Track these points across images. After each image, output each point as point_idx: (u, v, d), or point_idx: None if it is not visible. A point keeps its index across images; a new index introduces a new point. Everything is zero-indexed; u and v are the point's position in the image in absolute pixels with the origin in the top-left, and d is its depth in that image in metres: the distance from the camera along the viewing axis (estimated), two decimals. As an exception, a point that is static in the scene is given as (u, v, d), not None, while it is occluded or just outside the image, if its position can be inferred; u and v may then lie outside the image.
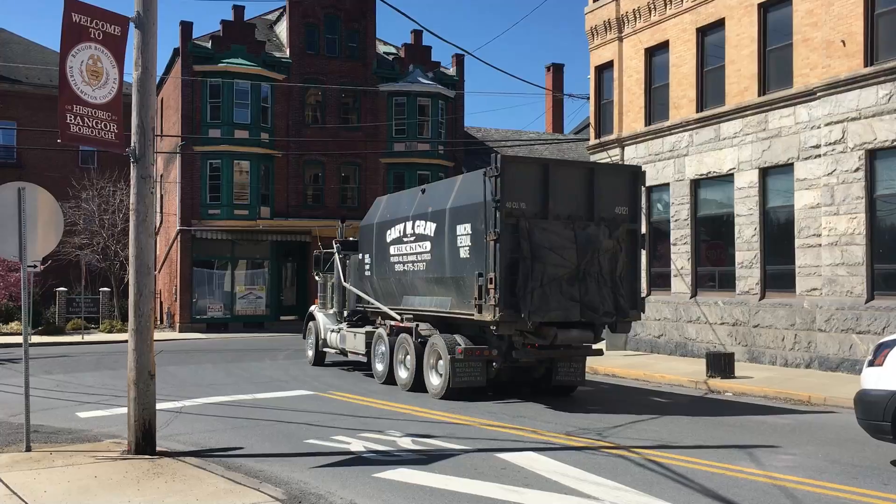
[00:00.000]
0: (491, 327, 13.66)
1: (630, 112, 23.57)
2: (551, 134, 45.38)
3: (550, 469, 8.49)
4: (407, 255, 15.99)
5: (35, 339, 29.98)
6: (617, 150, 24.04)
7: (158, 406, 11.99)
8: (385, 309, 16.96)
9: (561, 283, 13.42)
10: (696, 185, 21.33)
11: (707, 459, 9.05)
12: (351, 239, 19.94)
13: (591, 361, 17.98)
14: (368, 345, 17.20)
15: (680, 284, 21.44)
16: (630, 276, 14.26)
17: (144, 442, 9.03)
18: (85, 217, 37.90)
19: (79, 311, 34.12)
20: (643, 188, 15.17)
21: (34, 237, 9.39)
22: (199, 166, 34.52)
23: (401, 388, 15.35)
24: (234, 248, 35.65)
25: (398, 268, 16.31)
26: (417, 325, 15.47)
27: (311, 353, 20.38)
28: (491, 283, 13.23)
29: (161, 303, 37.58)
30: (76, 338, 30.76)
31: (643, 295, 17.35)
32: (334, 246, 20.03)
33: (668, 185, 22.17)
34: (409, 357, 15.41)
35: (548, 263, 13.29)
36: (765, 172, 19.38)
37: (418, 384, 15.05)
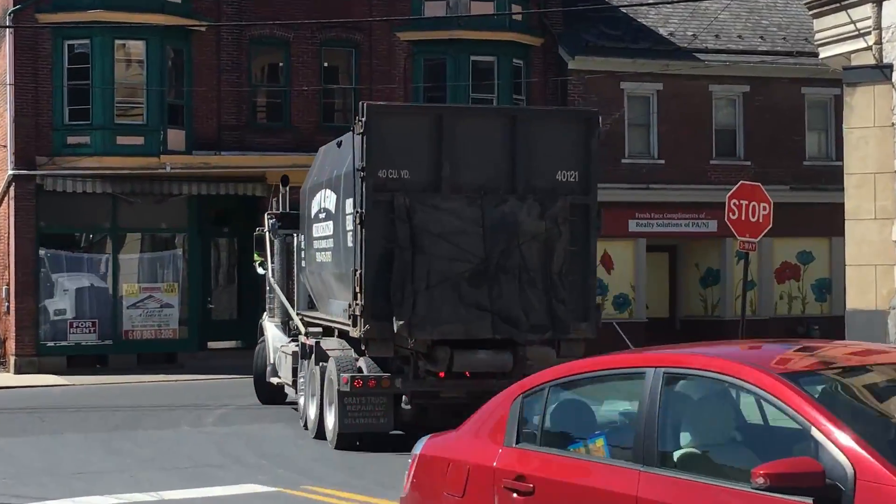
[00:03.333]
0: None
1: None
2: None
3: None
4: (321, 238, 19.06)
5: None
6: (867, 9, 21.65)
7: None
8: (293, 315, 20.61)
9: (460, 283, 15.54)
10: None
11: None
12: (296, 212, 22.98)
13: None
14: (295, 371, 20.02)
15: None
16: (578, 272, 16.18)
17: None
18: None
19: None
20: (598, 140, 17.10)
21: None
22: (48, 52, 34.89)
23: (309, 434, 18.66)
24: (118, 211, 36.00)
25: (318, 257, 19.40)
26: (318, 343, 18.19)
27: (262, 389, 24.11)
28: (359, 283, 15.64)
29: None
30: None
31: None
32: (266, 222, 23.42)
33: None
34: (315, 389, 18.16)
35: (437, 256, 15.47)
36: None
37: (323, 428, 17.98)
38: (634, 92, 36.64)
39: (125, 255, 36.46)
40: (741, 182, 23.85)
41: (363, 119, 15.93)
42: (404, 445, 16.84)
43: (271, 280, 23.62)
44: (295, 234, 22.89)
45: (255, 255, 25.71)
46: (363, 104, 16.45)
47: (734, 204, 22.70)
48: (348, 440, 17.20)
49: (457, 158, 15.97)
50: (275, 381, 22.88)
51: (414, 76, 37.77)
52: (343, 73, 38.71)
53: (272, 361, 23.00)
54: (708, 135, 37.06)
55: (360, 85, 37.45)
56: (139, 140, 34.94)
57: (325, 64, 37.97)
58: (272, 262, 23.63)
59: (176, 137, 35.52)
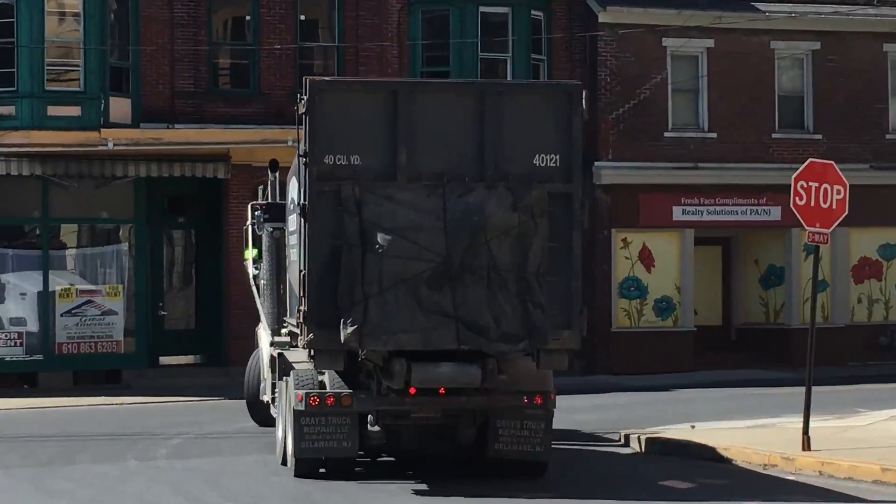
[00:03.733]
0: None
1: None
2: None
3: None
4: (291, 233, 19.53)
5: None
6: None
7: None
8: (263, 322, 22.54)
9: (418, 286, 15.61)
10: None
11: None
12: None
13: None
14: (274, 387, 20.60)
15: None
16: (559, 273, 16.22)
17: None
18: None
19: None
20: (582, 119, 17.46)
21: None
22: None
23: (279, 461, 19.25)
24: (50, 197, 35.05)
25: (291, 254, 19.77)
26: (281, 354, 19.14)
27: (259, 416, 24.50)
28: (302, 285, 16.35)
29: None
30: None
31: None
32: (250, 214, 23.93)
33: None
34: (283, 407, 18.73)
35: (392, 254, 15.55)
36: None
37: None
38: (680, 50, 35.97)
39: (58, 251, 35.58)
40: (810, 160, 22.47)
41: (305, 97, 16.06)
42: (374, 474, 18.26)
43: (251, 280, 24.31)
44: (284, 228, 22.89)
45: (245, 251, 26.21)
46: (306, 80, 16.49)
47: (801, 187, 21.18)
48: (308, 466, 17.37)
49: (415, 141, 16.04)
50: (265, 398, 22.98)
51: (410, 32, 37.14)
52: (324, 29, 38.17)
53: (265, 377, 23.02)
54: (769, 103, 36.35)
55: (344, 43, 36.86)
56: (75, 111, 33.76)
57: (302, 17, 37.09)
58: (258, 260, 24.05)
59: (120, 107, 34.56)
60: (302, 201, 16.14)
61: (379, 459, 19.23)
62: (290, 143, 30.72)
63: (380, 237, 15.60)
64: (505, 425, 17.04)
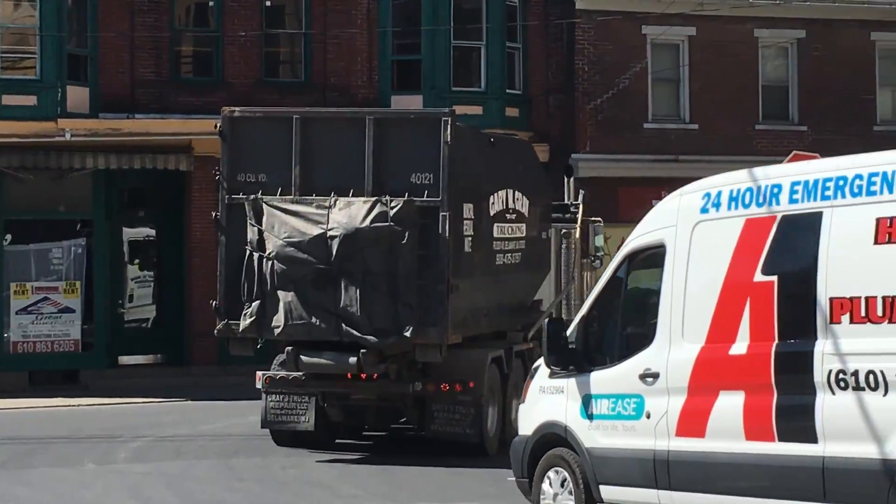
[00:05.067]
0: None
1: None
2: None
3: None
4: None
5: None
6: None
7: None
8: None
9: (306, 287, 18.69)
10: None
11: None
12: None
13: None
14: None
15: None
16: (429, 276, 18.84)
17: None
18: None
19: None
20: (447, 144, 19.55)
21: None
22: None
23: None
24: (4, 190, 34.97)
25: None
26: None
27: None
28: (218, 283, 19.86)
29: None
30: None
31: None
32: None
33: None
34: None
35: (282, 259, 18.73)
36: None
37: None
38: (660, 38, 35.77)
39: (13, 246, 34.98)
40: (794, 152, 22.96)
41: (220, 125, 19.58)
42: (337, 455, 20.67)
43: None
44: None
45: None
46: (224, 113, 19.99)
47: None
48: (277, 437, 20.94)
49: (310, 162, 19.20)
50: None
51: (380, 19, 37.00)
52: (290, 16, 38.18)
53: None
54: (753, 93, 36.27)
55: (311, 30, 36.74)
56: (30, 100, 33.52)
57: (268, 3, 37.06)
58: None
59: (78, 97, 34.42)
60: (216, 213, 19.55)
61: (364, 441, 22.20)
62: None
63: (273, 243, 18.71)
64: (439, 409, 19.84)
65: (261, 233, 18.80)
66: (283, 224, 18.74)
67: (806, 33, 36.07)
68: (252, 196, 19.00)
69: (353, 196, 19.05)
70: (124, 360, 36.25)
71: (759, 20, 35.85)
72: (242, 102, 32.10)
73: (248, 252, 18.90)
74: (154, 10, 35.43)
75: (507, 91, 36.03)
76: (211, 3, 36.70)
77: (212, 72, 36.32)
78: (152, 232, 38.45)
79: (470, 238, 20.13)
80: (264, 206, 18.88)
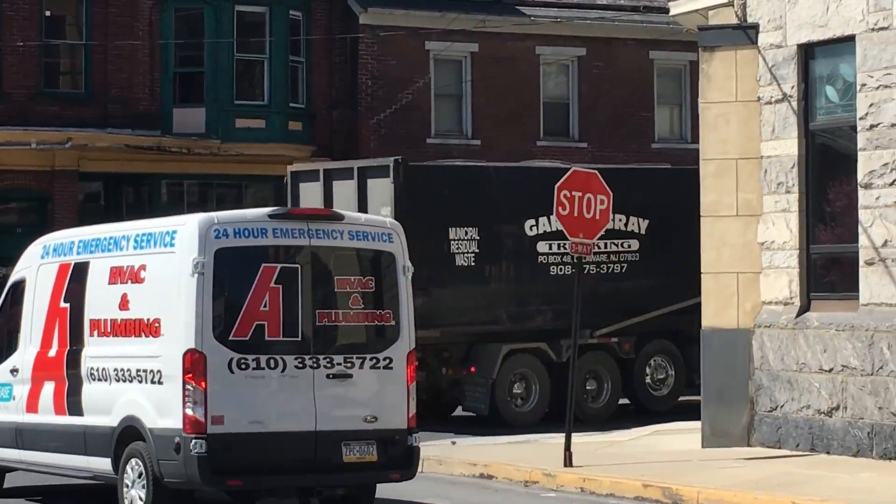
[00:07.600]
0: None
1: None
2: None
3: None
4: None
5: None
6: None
7: None
8: None
9: None
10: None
11: None
12: None
13: (675, 485, 19.22)
14: None
15: (882, 282, 21.48)
16: None
17: None
18: None
19: None
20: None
21: None
22: None
23: None
24: None
25: None
26: None
27: None
28: None
29: None
30: None
31: None
32: None
33: (852, 40, 22.18)
34: None
35: None
36: None
37: None
38: (443, 54, 36.30)
39: None
40: (573, 169, 22.59)
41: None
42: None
43: None
44: None
45: None
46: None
47: (565, 196, 20.70)
48: None
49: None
50: None
51: (163, 31, 37.17)
52: (71, 25, 37.84)
53: None
54: (534, 109, 36.71)
55: (92, 41, 36.54)
56: None
57: (48, 12, 36.73)
58: None
59: None
60: None
61: None
62: (33, 146, 30.90)
63: None
64: None
65: None
66: None
67: (586, 51, 36.55)
68: None
69: None
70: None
71: (541, 38, 36.19)
72: (20, 116, 34.54)
73: None
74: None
75: (291, 105, 35.89)
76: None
77: (-8, 82, 35.76)
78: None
79: None
80: None
